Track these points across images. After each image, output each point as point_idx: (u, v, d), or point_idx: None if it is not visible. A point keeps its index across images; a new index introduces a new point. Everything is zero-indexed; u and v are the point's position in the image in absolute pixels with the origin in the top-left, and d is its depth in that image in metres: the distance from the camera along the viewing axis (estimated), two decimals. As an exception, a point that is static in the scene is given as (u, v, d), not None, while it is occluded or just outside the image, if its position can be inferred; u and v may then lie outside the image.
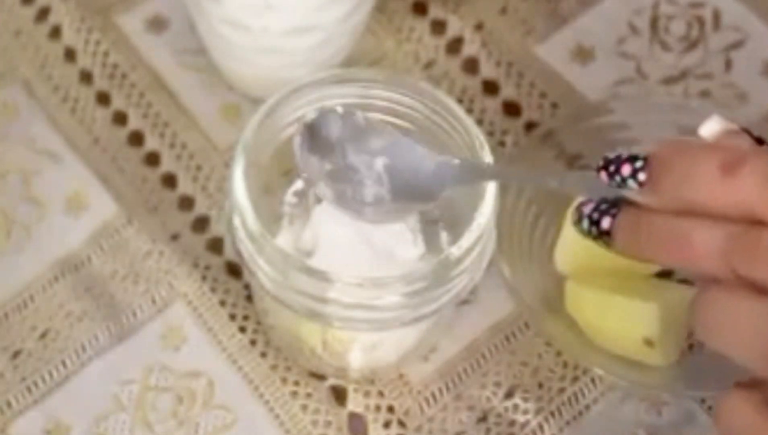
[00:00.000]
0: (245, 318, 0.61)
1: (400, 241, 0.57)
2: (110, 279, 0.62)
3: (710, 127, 0.47)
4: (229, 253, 0.63)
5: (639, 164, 0.46)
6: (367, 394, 0.60)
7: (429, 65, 0.69)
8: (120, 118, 0.67)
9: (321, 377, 0.60)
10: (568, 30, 0.70)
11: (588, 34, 0.69)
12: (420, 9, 0.70)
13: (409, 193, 0.54)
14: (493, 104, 0.67)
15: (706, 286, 0.45)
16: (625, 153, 0.47)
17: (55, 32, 0.69)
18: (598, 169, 0.47)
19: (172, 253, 0.63)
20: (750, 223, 0.44)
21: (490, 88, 0.68)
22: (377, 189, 0.54)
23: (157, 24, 0.69)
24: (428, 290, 0.53)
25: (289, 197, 0.59)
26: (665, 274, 0.60)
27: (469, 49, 0.69)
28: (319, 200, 0.57)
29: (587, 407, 0.60)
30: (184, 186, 0.65)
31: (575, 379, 0.60)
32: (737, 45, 0.69)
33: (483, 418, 0.60)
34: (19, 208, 0.64)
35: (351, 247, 0.56)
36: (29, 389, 0.60)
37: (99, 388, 0.60)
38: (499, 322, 0.61)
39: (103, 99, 0.67)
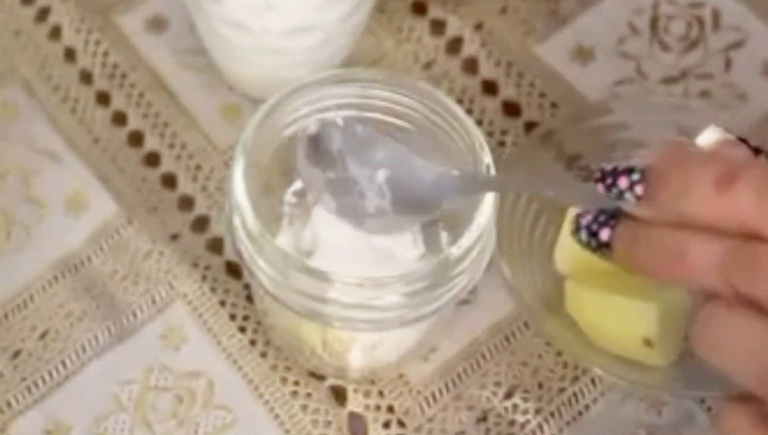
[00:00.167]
0: (245, 318, 0.61)
1: (400, 241, 0.57)
2: (110, 279, 0.62)
3: (708, 138, 0.47)
4: (229, 253, 0.63)
5: (636, 177, 0.46)
6: (367, 394, 0.60)
7: (429, 65, 0.68)
8: (120, 118, 0.67)
9: (321, 377, 0.60)
10: (568, 30, 0.70)
11: (588, 34, 0.69)
12: (420, 9, 0.70)
13: (410, 205, 0.54)
14: (492, 104, 0.67)
15: (707, 301, 0.45)
16: (621, 165, 0.47)
17: (55, 32, 0.69)
18: (595, 181, 0.47)
19: (172, 253, 0.63)
20: (746, 237, 0.44)
21: (490, 88, 0.68)
22: (379, 201, 0.54)
23: (157, 24, 0.69)
24: (428, 290, 0.53)
25: (289, 197, 0.59)
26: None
27: (469, 49, 0.69)
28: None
29: (587, 407, 0.60)
30: (184, 186, 0.65)
31: (575, 379, 0.60)
32: (737, 45, 0.69)
33: (483, 418, 0.60)
34: (19, 208, 0.64)
35: (351, 247, 0.56)
36: (29, 389, 0.60)
37: (99, 388, 0.60)
38: (499, 322, 0.61)
39: (103, 99, 0.67)
